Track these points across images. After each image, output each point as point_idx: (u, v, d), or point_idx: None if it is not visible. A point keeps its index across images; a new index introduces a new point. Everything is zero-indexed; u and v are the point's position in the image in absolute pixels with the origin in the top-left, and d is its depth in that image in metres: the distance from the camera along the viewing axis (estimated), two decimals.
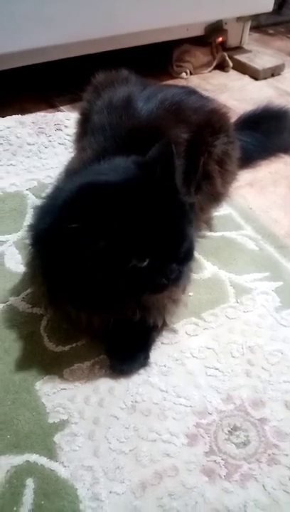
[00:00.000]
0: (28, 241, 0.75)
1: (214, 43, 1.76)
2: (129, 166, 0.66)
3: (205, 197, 0.93)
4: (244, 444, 0.69)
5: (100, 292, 0.67)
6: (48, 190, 0.80)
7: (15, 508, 0.61)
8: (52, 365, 0.78)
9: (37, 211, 0.74)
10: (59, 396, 0.74)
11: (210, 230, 1.05)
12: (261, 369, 0.79)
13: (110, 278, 0.65)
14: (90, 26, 1.42)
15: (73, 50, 1.46)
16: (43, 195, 0.97)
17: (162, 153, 0.65)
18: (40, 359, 0.78)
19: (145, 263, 0.65)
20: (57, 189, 0.73)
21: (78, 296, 0.69)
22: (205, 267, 0.97)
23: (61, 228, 0.61)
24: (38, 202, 0.79)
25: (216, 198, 0.95)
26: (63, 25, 1.36)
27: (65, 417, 0.71)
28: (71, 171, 0.79)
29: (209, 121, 0.88)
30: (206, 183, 0.91)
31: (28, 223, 0.78)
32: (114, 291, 0.67)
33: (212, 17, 1.67)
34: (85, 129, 0.92)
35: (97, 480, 0.65)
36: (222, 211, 1.10)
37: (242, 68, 1.78)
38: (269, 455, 0.68)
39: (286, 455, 0.68)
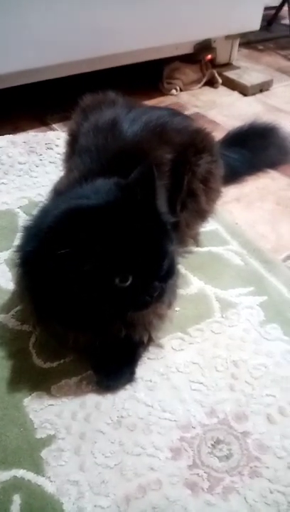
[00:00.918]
0: (16, 261, 0.77)
1: (203, 61, 1.80)
2: (111, 188, 0.69)
3: (190, 214, 0.95)
4: (227, 457, 0.71)
5: (85, 312, 0.69)
6: (36, 210, 0.82)
7: None
8: (40, 382, 0.79)
9: (24, 232, 0.77)
10: (46, 412, 0.75)
11: (197, 246, 1.08)
12: (245, 383, 0.81)
13: (95, 298, 0.67)
14: (81, 47, 1.46)
15: (65, 70, 1.50)
16: (33, 212, 1.00)
17: (143, 175, 0.68)
18: (29, 375, 0.80)
19: (128, 282, 0.67)
20: (43, 211, 0.75)
21: (64, 315, 0.71)
22: (191, 282, 0.99)
23: (46, 252, 0.63)
24: (26, 222, 0.80)
25: (201, 214, 0.98)
26: (54, 46, 1.40)
27: (52, 433, 0.73)
28: (58, 192, 0.81)
29: (192, 141, 0.91)
30: (191, 201, 0.93)
31: (17, 244, 0.80)
32: (99, 311, 0.69)
33: (200, 36, 1.72)
34: (74, 149, 0.95)
35: (83, 494, 0.66)
36: (208, 227, 1.13)
37: (231, 84, 1.83)
38: (250, 468, 0.70)
39: (267, 468, 0.70)
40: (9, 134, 1.40)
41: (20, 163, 1.22)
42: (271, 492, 0.67)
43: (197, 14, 1.61)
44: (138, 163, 0.73)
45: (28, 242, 0.73)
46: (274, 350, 0.86)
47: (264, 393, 0.79)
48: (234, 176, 1.25)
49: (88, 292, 0.66)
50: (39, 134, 1.35)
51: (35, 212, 0.82)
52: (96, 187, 0.70)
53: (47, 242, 0.64)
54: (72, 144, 0.96)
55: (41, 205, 0.85)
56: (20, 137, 1.32)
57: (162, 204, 0.75)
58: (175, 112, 0.98)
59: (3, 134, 1.37)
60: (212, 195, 0.96)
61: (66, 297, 0.67)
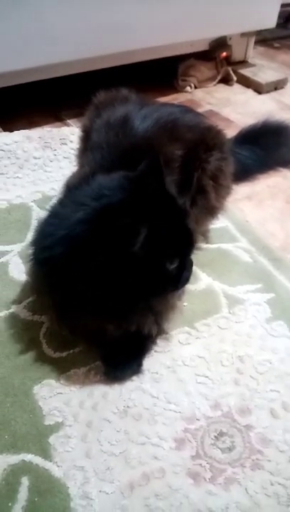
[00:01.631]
0: (31, 258, 0.78)
1: (218, 58, 1.80)
2: (122, 182, 0.71)
3: (199, 210, 0.96)
4: (229, 449, 0.73)
5: (128, 300, 0.72)
6: (49, 204, 0.84)
7: (10, 504, 0.65)
8: (50, 370, 0.82)
9: (40, 228, 0.77)
10: (55, 400, 0.78)
11: (207, 242, 1.09)
12: (250, 378, 0.82)
13: (147, 285, 0.71)
14: (97, 44, 1.48)
15: (80, 66, 1.52)
16: (47, 207, 1.02)
17: (151, 166, 0.70)
18: (39, 364, 0.83)
19: (176, 264, 0.72)
20: (60, 206, 0.76)
21: (101, 308, 0.73)
22: (200, 278, 1.00)
23: (90, 254, 0.67)
24: (42, 214, 0.82)
25: (211, 211, 0.99)
26: (69, 43, 1.41)
27: (60, 420, 0.75)
28: (70, 186, 0.83)
29: (203, 138, 0.92)
30: (201, 197, 0.95)
31: (31, 238, 0.81)
32: (147, 296, 0.74)
33: (216, 33, 1.72)
34: (86, 145, 0.97)
35: (88, 479, 0.68)
36: (218, 224, 1.14)
37: (246, 82, 1.83)
38: (252, 460, 0.71)
39: (269, 461, 0.71)
40: (25, 128, 1.42)
41: (35, 157, 1.25)
42: (271, 484, 0.68)
43: (213, 11, 1.61)
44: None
45: (46, 239, 0.72)
46: (280, 347, 0.87)
47: (268, 388, 0.80)
48: (245, 173, 1.25)
49: (140, 282, 0.70)
50: (54, 130, 1.37)
51: (48, 207, 0.83)
52: (106, 183, 0.71)
53: (88, 245, 0.67)
54: (85, 139, 0.98)
55: (55, 200, 0.86)
56: (35, 132, 1.34)
57: (172, 190, 0.78)
58: (187, 109, 0.99)
59: (19, 129, 1.40)
60: (222, 191, 0.97)
61: (109, 290, 0.69)
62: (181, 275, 0.76)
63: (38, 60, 1.38)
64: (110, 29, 1.47)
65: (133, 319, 0.77)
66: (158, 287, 0.74)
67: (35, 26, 1.32)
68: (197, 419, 0.76)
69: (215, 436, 0.74)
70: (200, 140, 0.91)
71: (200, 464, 0.71)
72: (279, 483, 0.69)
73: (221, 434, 0.74)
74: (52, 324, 0.87)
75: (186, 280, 0.78)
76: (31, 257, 0.79)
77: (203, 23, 1.64)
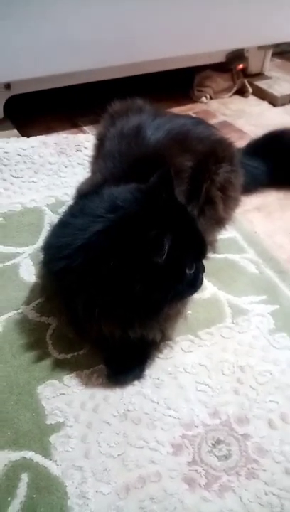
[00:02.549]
0: (43, 264, 0.81)
1: (235, 70, 1.82)
2: (135, 194, 0.73)
3: (207, 221, 0.98)
4: (226, 457, 0.74)
5: (151, 309, 0.75)
6: (63, 208, 0.86)
7: (9, 499, 0.67)
8: (54, 371, 0.84)
9: (52, 238, 0.79)
10: (58, 400, 0.80)
11: (214, 252, 1.10)
12: (250, 388, 0.83)
13: (168, 292, 0.74)
14: (116, 53, 1.51)
15: (99, 75, 1.56)
16: (60, 211, 1.05)
17: (162, 178, 0.73)
18: (44, 364, 0.85)
19: (193, 269, 0.76)
20: (71, 216, 0.78)
21: (123, 315, 0.75)
22: (205, 287, 1.01)
23: (115, 265, 0.70)
24: (55, 218, 0.84)
25: (218, 222, 1.01)
26: (89, 52, 1.45)
27: (61, 420, 0.77)
28: (81, 193, 0.86)
29: (213, 150, 0.94)
30: (209, 208, 0.96)
31: (42, 246, 0.83)
32: (165, 302, 0.76)
33: (233, 45, 1.75)
34: (100, 153, 1.00)
35: (86, 479, 0.70)
36: (227, 234, 1.15)
37: (261, 94, 1.84)
38: (248, 469, 0.72)
39: (265, 470, 0.72)
40: (42, 134, 1.46)
41: (50, 163, 1.28)
42: (266, 494, 0.69)
43: (231, 23, 1.63)
44: (158, 170, 0.77)
45: (62, 250, 0.74)
46: (281, 359, 0.88)
47: (267, 399, 0.81)
48: (255, 184, 1.26)
49: (163, 289, 0.73)
50: (69, 136, 1.41)
51: (60, 213, 0.85)
52: (119, 195, 0.74)
53: (110, 255, 0.70)
54: (99, 147, 1.01)
55: (67, 205, 0.88)
56: (51, 138, 1.38)
57: (181, 199, 0.81)
58: (198, 121, 1.02)
59: (36, 135, 1.44)
60: (231, 203, 0.99)
61: (130, 298, 0.72)
62: (197, 278, 0.80)
63: (57, 68, 1.42)
64: (129, 39, 1.50)
65: (154, 325, 0.80)
66: (179, 293, 0.77)
67: (56, 35, 1.36)
68: (196, 426, 0.77)
69: (212, 444, 0.75)
70: (210, 152, 0.93)
71: (196, 470, 0.72)
72: (273, 494, 0.69)
73: (218, 441, 0.75)
74: (60, 327, 0.89)
75: (201, 283, 0.82)
76: (44, 265, 0.81)
77: (221, 35, 1.66)
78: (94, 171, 0.94)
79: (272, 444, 0.75)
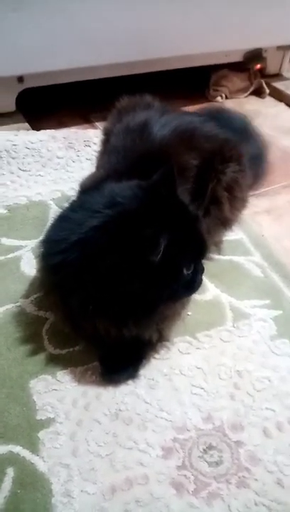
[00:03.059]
0: (41, 258, 0.80)
1: (252, 70, 1.79)
2: (136, 191, 0.72)
3: (213, 221, 0.96)
4: (217, 463, 0.72)
5: (145, 308, 0.73)
6: (67, 203, 0.84)
7: None
8: (48, 366, 0.83)
9: (51, 232, 0.78)
10: (49, 395, 0.79)
11: (219, 254, 1.08)
12: (246, 394, 0.81)
13: (164, 291, 0.73)
14: (131, 49, 1.50)
15: (114, 70, 1.54)
16: (65, 205, 1.03)
17: (165, 176, 0.71)
18: (38, 359, 0.84)
19: (191, 269, 0.74)
20: (71, 211, 0.77)
21: (116, 313, 0.74)
22: (207, 289, 0.99)
23: (111, 261, 0.69)
24: (53, 222, 0.82)
25: (224, 222, 0.98)
26: (104, 47, 1.44)
27: (51, 416, 0.76)
28: (84, 188, 0.85)
29: (221, 149, 0.92)
30: (214, 208, 0.94)
31: (42, 239, 0.82)
32: (162, 301, 0.74)
33: (251, 45, 1.72)
34: (106, 148, 0.99)
35: (72, 478, 0.69)
36: (233, 236, 1.13)
37: (279, 96, 1.81)
38: (239, 477, 0.70)
39: (256, 480, 0.70)
40: (53, 128, 1.45)
41: (58, 157, 1.28)
42: (255, 504, 0.67)
43: (250, 22, 1.60)
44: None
45: (58, 244, 0.73)
46: (281, 365, 0.86)
47: (263, 406, 0.79)
48: None
49: (158, 288, 0.71)
50: (79, 131, 1.40)
51: (64, 206, 0.84)
52: (119, 191, 0.72)
53: (105, 251, 0.69)
54: (105, 143, 1.00)
55: (70, 202, 0.86)
56: (60, 132, 1.37)
57: (185, 198, 0.79)
58: (207, 119, 0.99)
59: (46, 129, 1.43)
60: (237, 204, 0.96)
61: (124, 296, 0.71)
62: (195, 279, 0.78)
63: (70, 62, 1.41)
64: (145, 35, 1.48)
65: (149, 325, 0.78)
66: (175, 293, 0.75)
67: (70, 29, 1.35)
68: (188, 430, 0.75)
69: (204, 449, 0.73)
70: (217, 151, 0.91)
71: (185, 475, 0.70)
72: (263, 504, 0.67)
73: (210, 447, 0.74)
74: (56, 322, 0.88)
75: (200, 284, 0.80)
76: (42, 259, 0.80)
77: (239, 34, 1.63)
78: (98, 167, 0.93)
79: (266, 453, 0.73)
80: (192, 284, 0.77)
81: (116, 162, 0.85)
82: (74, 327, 0.81)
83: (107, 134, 1.00)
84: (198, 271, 0.78)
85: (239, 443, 0.74)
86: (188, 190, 0.89)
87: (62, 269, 0.72)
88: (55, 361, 0.84)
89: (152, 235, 0.66)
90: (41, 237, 0.84)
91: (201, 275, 0.79)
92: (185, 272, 0.74)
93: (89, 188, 0.82)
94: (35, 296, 0.95)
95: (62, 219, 0.78)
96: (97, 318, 0.75)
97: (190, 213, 0.77)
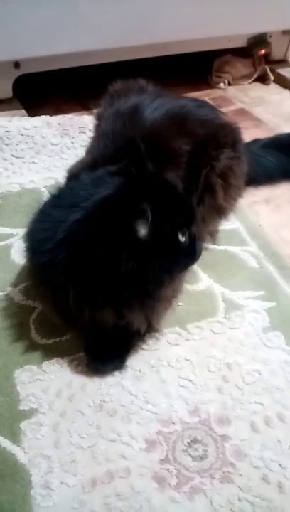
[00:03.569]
0: (26, 252, 0.78)
1: (256, 55, 1.74)
2: (107, 178, 0.71)
3: (207, 209, 0.93)
4: (201, 457, 0.70)
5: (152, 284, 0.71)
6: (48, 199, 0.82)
7: None
8: (34, 356, 0.82)
9: (33, 231, 0.76)
10: (33, 386, 0.77)
11: (214, 243, 1.05)
12: (235, 387, 0.79)
13: (165, 263, 0.71)
14: (131, 33, 1.46)
15: (113, 55, 1.51)
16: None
17: (131, 155, 0.70)
18: (24, 349, 0.83)
19: (186, 235, 0.73)
20: (51, 207, 0.75)
21: (121, 298, 0.72)
22: (200, 279, 0.97)
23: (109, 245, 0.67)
24: (36, 214, 0.79)
25: (218, 211, 0.95)
26: (103, 31, 1.41)
27: (34, 406, 0.75)
28: (71, 175, 0.82)
29: (215, 134, 0.88)
30: (208, 196, 0.91)
31: (26, 230, 0.80)
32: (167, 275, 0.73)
33: (255, 29, 1.67)
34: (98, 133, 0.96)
35: (52, 470, 0.68)
36: (229, 225, 1.10)
37: (283, 82, 1.76)
38: (223, 472, 0.68)
39: (241, 475, 0.68)
40: (49, 115, 1.43)
41: (52, 144, 1.25)
42: (239, 500, 0.65)
43: (254, 6, 1.56)
44: (151, 152, 0.73)
45: (45, 243, 0.71)
46: (272, 359, 0.83)
47: (252, 400, 0.77)
48: (266, 177, 1.20)
49: (159, 262, 0.69)
50: (74, 117, 1.37)
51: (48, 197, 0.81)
52: (91, 181, 0.72)
53: (93, 241, 0.67)
54: (98, 128, 0.97)
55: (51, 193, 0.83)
56: (55, 119, 1.34)
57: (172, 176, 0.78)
58: (202, 104, 0.96)
59: (41, 115, 1.40)
60: (231, 191, 0.93)
61: (126, 278, 0.69)
62: (195, 245, 0.76)
63: (67, 46, 1.39)
64: (144, 19, 1.45)
65: (156, 306, 0.77)
66: (177, 263, 0.74)
67: (67, 12, 1.32)
68: (173, 423, 0.74)
69: (188, 443, 0.71)
70: (210, 136, 0.88)
71: (168, 469, 0.68)
72: (247, 500, 0.65)
73: (195, 441, 0.72)
74: (44, 312, 0.87)
75: (200, 250, 0.78)
76: (28, 255, 0.78)
77: (242, 18, 1.59)
78: (87, 152, 0.90)
79: (252, 448, 0.71)
80: (193, 250, 0.76)
81: (104, 147, 0.82)
82: (64, 318, 0.79)
83: (99, 119, 0.97)
84: (195, 236, 0.76)
85: (225, 437, 0.72)
86: (180, 176, 0.86)
87: (52, 267, 0.71)
88: (41, 351, 0.83)
89: (135, 213, 0.64)
90: (25, 230, 0.81)
91: (199, 241, 0.78)
92: (181, 238, 0.72)
93: (76, 174, 0.80)
94: (23, 285, 0.94)
95: (44, 215, 0.76)
96: (97, 308, 0.73)
97: (168, 182, 0.75)
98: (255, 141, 1.24)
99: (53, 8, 1.30)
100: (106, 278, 0.69)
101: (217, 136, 0.89)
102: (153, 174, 0.71)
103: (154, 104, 0.88)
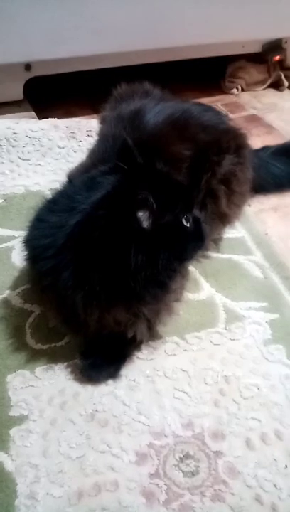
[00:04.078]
0: (27, 259, 0.76)
1: (271, 61, 1.71)
2: (99, 178, 0.70)
3: (209, 216, 0.91)
4: (193, 473, 0.67)
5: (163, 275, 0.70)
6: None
7: None
8: (28, 361, 0.80)
9: (33, 238, 0.74)
10: (25, 392, 0.76)
11: (218, 251, 1.03)
12: (232, 401, 0.76)
13: (174, 250, 0.70)
14: (144, 37, 1.45)
15: (125, 59, 1.50)
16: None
17: (121, 152, 0.70)
18: (18, 353, 0.81)
19: (191, 219, 0.71)
20: (48, 213, 0.74)
21: (130, 295, 0.70)
22: (202, 288, 0.95)
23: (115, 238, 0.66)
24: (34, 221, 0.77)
25: (221, 218, 0.93)
26: (115, 34, 1.40)
27: (25, 413, 0.73)
28: (70, 178, 0.81)
29: (217, 140, 0.86)
30: (211, 202, 0.90)
31: (25, 237, 0.78)
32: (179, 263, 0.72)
33: (270, 35, 1.64)
34: None
35: (38, 479, 0.66)
36: (235, 233, 1.07)
37: None
38: (214, 490, 0.66)
39: (233, 494, 0.65)
40: (58, 118, 1.42)
41: (59, 147, 1.25)
42: None
43: (269, 11, 1.53)
44: (151, 157, 0.71)
45: (47, 250, 0.69)
46: (273, 373, 0.80)
47: (249, 415, 0.74)
48: (275, 186, 1.18)
49: (168, 249, 0.68)
50: (82, 120, 1.36)
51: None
52: (86, 183, 0.71)
53: (97, 241, 0.66)
54: (100, 132, 0.96)
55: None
56: (63, 122, 1.34)
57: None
58: (206, 108, 0.94)
59: (54, 117, 1.40)
60: (235, 198, 0.91)
61: (137, 271, 0.67)
62: (201, 228, 0.75)
63: (79, 49, 1.38)
64: (157, 23, 1.44)
65: (166, 298, 0.75)
66: (186, 249, 0.73)
67: (79, 15, 1.31)
68: (165, 436, 0.71)
69: (180, 458, 0.69)
70: (213, 141, 0.86)
71: (157, 484, 0.66)
72: None
73: (187, 456, 0.69)
74: (48, 316, 0.84)
75: (207, 232, 0.77)
76: (29, 263, 0.76)
77: (257, 23, 1.56)
78: (87, 156, 0.89)
79: (246, 465, 0.68)
80: (200, 233, 0.74)
81: (104, 151, 0.81)
82: (68, 323, 0.77)
83: (102, 123, 0.96)
84: (199, 220, 0.75)
85: (218, 453, 0.70)
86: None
87: (57, 272, 0.69)
88: (36, 356, 0.81)
89: (137, 204, 0.63)
90: (24, 236, 0.80)
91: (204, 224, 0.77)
92: (185, 223, 0.70)
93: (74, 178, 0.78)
94: (22, 288, 0.93)
95: (41, 222, 0.75)
96: (107, 308, 0.71)
97: (160, 171, 0.73)
98: (264, 148, 1.22)
99: (64, 11, 1.30)
100: (116, 275, 0.67)
101: (220, 141, 0.87)
102: (144, 166, 0.70)
103: (157, 109, 0.86)
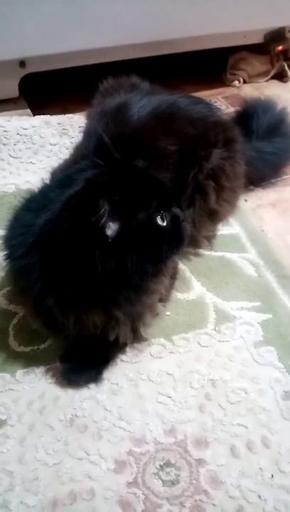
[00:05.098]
0: (5, 259, 0.73)
1: (273, 52, 1.66)
2: (75, 175, 0.67)
3: (198, 213, 0.88)
4: (173, 483, 0.65)
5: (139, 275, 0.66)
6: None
7: None
8: (9, 364, 0.79)
9: (9, 237, 0.73)
10: (4, 395, 0.74)
11: (210, 249, 0.99)
12: (217, 406, 0.73)
13: (150, 252, 0.66)
14: (143, 29, 1.41)
15: (123, 53, 1.47)
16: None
17: (97, 148, 0.67)
18: (0, 356, 0.80)
19: (168, 218, 0.67)
20: (23, 210, 0.73)
21: (101, 298, 0.68)
22: (192, 287, 0.92)
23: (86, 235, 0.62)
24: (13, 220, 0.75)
25: (211, 215, 0.90)
26: (111, 28, 1.37)
27: (3, 418, 0.71)
28: (53, 175, 0.79)
29: (205, 134, 0.83)
30: (199, 199, 0.86)
31: (3, 238, 0.75)
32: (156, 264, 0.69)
33: (272, 24, 1.58)
34: None
35: (13, 487, 0.64)
36: (229, 230, 1.04)
37: None
38: (195, 500, 0.63)
39: (214, 505, 0.62)
40: (57, 114, 1.40)
41: (51, 144, 1.22)
42: None
43: None
44: (134, 153, 0.68)
45: (18, 249, 0.68)
46: (262, 376, 0.77)
47: (235, 421, 0.71)
48: (273, 169, 1.13)
49: (142, 249, 0.65)
50: (74, 117, 1.34)
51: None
52: (57, 183, 0.69)
53: (64, 239, 0.63)
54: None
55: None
56: (55, 118, 1.31)
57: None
58: (195, 101, 0.90)
59: (51, 114, 1.38)
60: (225, 194, 0.87)
61: (111, 274, 0.64)
62: (179, 227, 0.70)
63: (74, 44, 1.35)
64: (155, 14, 1.39)
65: (143, 299, 0.71)
66: (159, 249, 0.68)
67: (73, 8, 1.28)
68: (146, 443, 0.69)
69: (160, 466, 0.66)
70: (200, 135, 0.82)
71: (135, 494, 0.63)
72: None
73: (167, 464, 0.66)
74: (25, 317, 0.83)
75: (187, 231, 0.72)
76: (6, 262, 0.74)
77: (258, 12, 1.51)
78: (71, 153, 0.86)
79: (230, 475, 0.65)
80: (178, 232, 0.70)
81: (86, 148, 0.78)
82: (47, 325, 0.75)
83: (88, 119, 0.93)
84: (178, 218, 0.70)
85: (200, 461, 0.67)
86: (168, 179, 0.80)
87: (28, 272, 0.67)
88: (17, 359, 0.79)
89: (95, 211, 0.59)
90: (3, 236, 0.78)
91: (184, 222, 0.72)
92: (160, 223, 0.66)
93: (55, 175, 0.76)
94: (7, 289, 0.91)
95: (17, 220, 0.73)
96: (83, 312, 0.69)
97: (138, 167, 0.69)
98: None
99: (58, 5, 1.27)
100: (85, 279, 0.64)
101: (207, 134, 0.83)
102: (121, 162, 0.66)
103: (142, 102, 0.83)
